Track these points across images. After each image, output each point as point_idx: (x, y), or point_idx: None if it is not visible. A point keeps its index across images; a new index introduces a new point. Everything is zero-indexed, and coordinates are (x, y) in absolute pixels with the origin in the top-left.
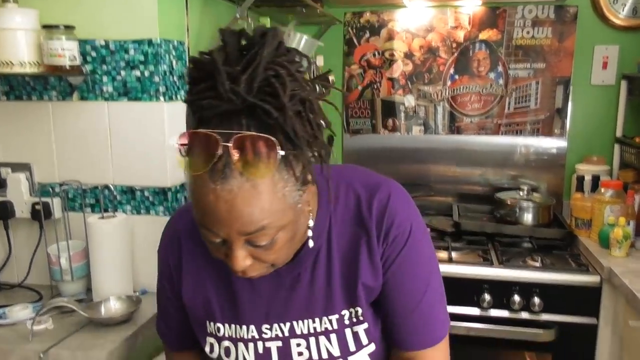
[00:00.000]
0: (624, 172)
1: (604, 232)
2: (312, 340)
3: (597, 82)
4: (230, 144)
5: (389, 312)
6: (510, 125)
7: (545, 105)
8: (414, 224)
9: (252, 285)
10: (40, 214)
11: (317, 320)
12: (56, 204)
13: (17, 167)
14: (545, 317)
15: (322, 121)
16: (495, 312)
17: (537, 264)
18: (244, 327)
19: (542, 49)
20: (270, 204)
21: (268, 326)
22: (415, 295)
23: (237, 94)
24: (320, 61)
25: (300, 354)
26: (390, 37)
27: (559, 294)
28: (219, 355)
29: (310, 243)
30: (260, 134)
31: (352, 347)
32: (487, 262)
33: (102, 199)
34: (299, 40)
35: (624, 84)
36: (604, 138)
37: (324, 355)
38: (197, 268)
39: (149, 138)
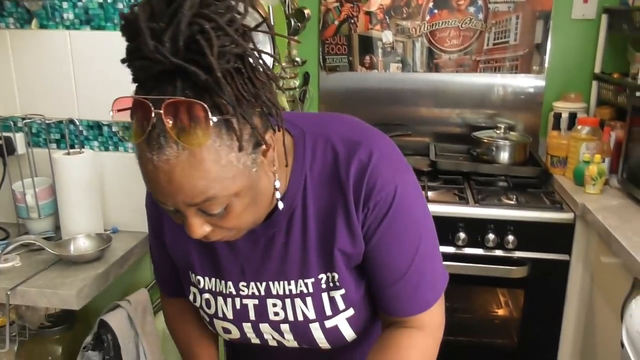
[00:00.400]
0: (601, 109)
1: (579, 170)
2: (287, 301)
3: (578, 16)
4: (161, 111)
5: (374, 280)
6: (489, 62)
7: (524, 40)
8: (399, 187)
9: (229, 243)
10: (2, 149)
11: (292, 282)
12: (19, 138)
13: None
14: (519, 254)
15: (268, 75)
16: (469, 250)
17: (512, 202)
18: (223, 282)
19: None
20: (214, 173)
21: (245, 284)
22: (402, 263)
23: (163, 54)
24: None
25: (276, 313)
26: None
27: (533, 231)
28: (201, 305)
29: (280, 205)
30: (191, 100)
31: (328, 312)
32: (463, 200)
33: (67, 134)
34: None
35: (604, 18)
36: (582, 74)
37: (300, 317)
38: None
39: (115, 70)
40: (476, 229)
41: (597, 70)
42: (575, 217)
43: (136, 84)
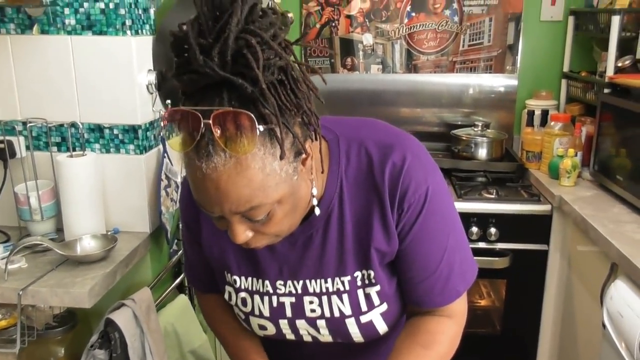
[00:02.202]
0: (570, 106)
1: (553, 164)
2: (324, 298)
3: (546, 18)
4: (210, 121)
5: (406, 275)
6: (465, 62)
7: (497, 41)
8: (430, 188)
9: None
10: (4, 153)
11: (329, 280)
12: (20, 142)
13: None
14: (501, 245)
15: (308, 86)
16: None
17: (493, 196)
18: (260, 280)
19: None
20: (259, 180)
21: (282, 282)
22: (434, 259)
23: (211, 68)
24: None
25: (312, 310)
26: None
27: (513, 223)
28: (236, 303)
29: (317, 211)
30: (239, 110)
31: (364, 308)
32: None
33: (69, 137)
34: None
35: (571, 20)
36: (552, 73)
37: (336, 313)
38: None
39: (117, 74)
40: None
41: (565, 69)
42: (553, 209)
43: (183, 97)
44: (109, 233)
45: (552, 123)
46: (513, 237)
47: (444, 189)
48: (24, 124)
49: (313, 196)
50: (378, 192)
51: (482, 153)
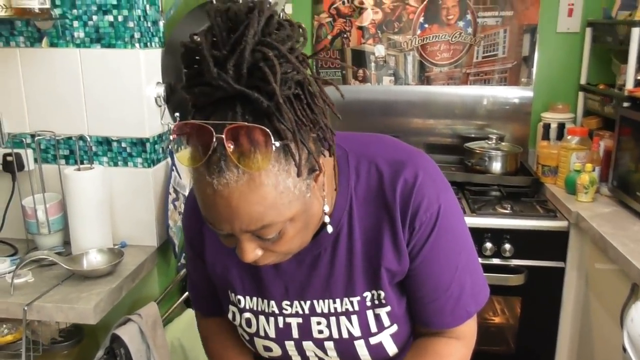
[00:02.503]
0: (588, 119)
1: (570, 179)
2: (332, 319)
3: (563, 30)
4: (223, 136)
5: (416, 295)
6: (479, 74)
7: (512, 53)
8: (442, 206)
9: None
10: (12, 165)
11: (337, 300)
12: (29, 155)
13: None
14: (516, 262)
15: (324, 101)
16: None
17: (507, 211)
18: (265, 301)
19: None
20: (272, 198)
21: (288, 302)
22: (444, 279)
23: (226, 81)
24: (289, 9)
25: (320, 331)
26: None
27: (528, 239)
28: (240, 324)
29: (329, 229)
30: (253, 124)
31: (373, 329)
32: None
33: (77, 150)
34: None
35: (588, 31)
36: (569, 86)
37: (345, 334)
38: (219, 242)
39: (125, 87)
40: (473, 238)
41: (582, 81)
42: (570, 225)
43: (193, 110)
44: (116, 247)
45: (569, 137)
46: (528, 253)
47: (456, 207)
48: (33, 136)
49: (325, 213)
50: (389, 210)
51: (497, 167)
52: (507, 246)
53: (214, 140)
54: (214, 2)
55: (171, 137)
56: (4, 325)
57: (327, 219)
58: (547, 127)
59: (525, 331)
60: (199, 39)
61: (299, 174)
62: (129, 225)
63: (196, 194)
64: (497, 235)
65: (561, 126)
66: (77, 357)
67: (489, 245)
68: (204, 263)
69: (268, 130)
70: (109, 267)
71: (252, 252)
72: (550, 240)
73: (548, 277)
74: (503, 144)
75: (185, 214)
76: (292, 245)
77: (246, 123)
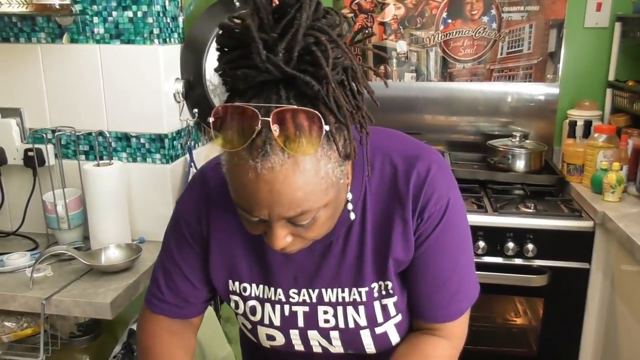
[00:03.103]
0: (616, 117)
1: (596, 178)
2: (339, 309)
3: (591, 25)
4: (269, 118)
5: (415, 287)
6: (503, 70)
7: (538, 49)
8: (450, 200)
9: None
10: (33, 161)
11: (346, 290)
12: (49, 150)
13: (7, 112)
14: (539, 262)
15: (365, 89)
16: (489, 259)
17: (531, 210)
18: (272, 289)
19: None
20: (313, 184)
21: (296, 291)
22: (443, 273)
23: (275, 64)
24: None
25: (326, 321)
26: None
27: (552, 239)
28: (244, 312)
29: (352, 216)
30: (303, 108)
31: (379, 319)
32: (482, 209)
33: (96, 146)
34: None
35: (617, 26)
36: (596, 82)
37: (351, 324)
38: (227, 228)
39: (144, 83)
40: (495, 238)
41: (611, 78)
42: (595, 225)
43: (230, 93)
44: (134, 242)
45: (596, 135)
46: (552, 254)
47: (462, 204)
48: (53, 132)
49: (348, 201)
50: (401, 202)
51: (520, 165)
52: (530, 246)
53: (259, 123)
54: None
55: (211, 120)
56: (24, 319)
57: (350, 206)
58: (573, 124)
59: (548, 333)
60: (244, 21)
61: (336, 160)
62: (147, 221)
63: (232, 179)
64: (520, 235)
65: (588, 124)
66: (95, 352)
67: (511, 245)
68: (198, 255)
69: (318, 113)
70: (126, 262)
71: (284, 239)
72: (575, 241)
73: (572, 278)
74: (527, 141)
75: (186, 204)
76: (321, 232)
77: (296, 106)
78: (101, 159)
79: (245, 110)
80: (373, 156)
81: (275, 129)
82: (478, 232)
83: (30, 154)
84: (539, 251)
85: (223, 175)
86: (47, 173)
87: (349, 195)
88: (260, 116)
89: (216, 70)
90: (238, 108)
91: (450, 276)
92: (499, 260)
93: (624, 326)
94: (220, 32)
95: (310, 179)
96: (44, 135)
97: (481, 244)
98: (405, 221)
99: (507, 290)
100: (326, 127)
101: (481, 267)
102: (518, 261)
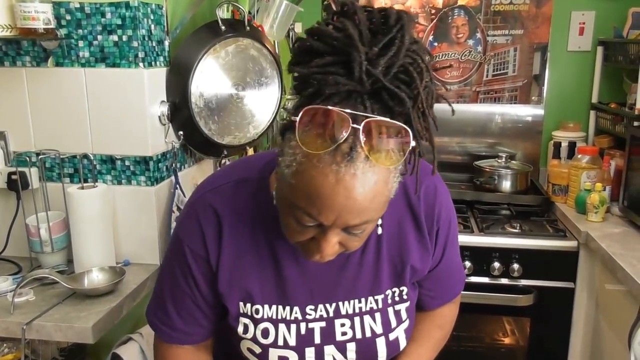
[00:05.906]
0: (599, 138)
1: (580, 198)
2: (356, 319)
3: (574, 48)
4: (360, 126)
5: (424, 287)
6: (489, 92)
7: (522, 72)
8: (452, 216)
9: (299, 267)
10: (17, 184)
11: (362, 300)
12: (33, 173)
13: None
14: (524, 282)
15: (432, 113)
16: (475, 279)
17: (517, 231)
18: (287, 308)
19: (520, 14)
20: (381, 195)
21: (313, 307)
22: (444, 274)
23: (373, 76)
24: (298, 28)
25: (344, 333)
26: (369, 3)
27: (537, 259)
28: (254, 336)
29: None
30: (395, 122)
31: (393, 324)
32: (468, 229)
33: (81, 169)
34: (278, 5)
35: (599, 50)
36: (580, 104)
37: (367, 333)
38: (237, 251)
39: (129, 106)
40: (481, 258)
41: (594, 100)
42: (579, 245)
43: (308, 96)
44: (118, 265)
45: (580, 156)
46: (537, 273)
47: (456, 218)
48: (38, 155)
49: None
50: (413, 212)
51: (506, 185)
52: (516, 266)
53: (349, 129)
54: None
55: (297, 119)
56: (5, 345)
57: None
58: (557, 145)
59: (535, 352)
60: (347, 31)
61: (401, 175)
62: (132, 243)
63: (304, 180)
64: (506, 255)
65: (572, 145)
66: None
67: (497, 265)
68: (206, 280)
69: (408, 129)
70: (109, 285)
71: (333, 247)
72: (560, 261)
73: (558, 297)
74: (513, 162)
75: (189, 230)
76: (362, 241)
77: (388, 119)
78: (86, 181)
79: (336, 115)
80: None
81: (363, 137)
82: (464, 252)
83: (14, 177)
84: (524, 271)
85: (229, 197)
86: (31, 196)
87: None
88: (351, 123)
89: (297, 71)
90: (328, 111)
91: (449, 278)
92: (485, 280)
93: (608, 345)
94: (316, 36)
95: (380, 190)
96: (28, 158)
97: (467, 263)
98: (419, 231)
99: (495, 310)
100: (413, 143)
101: (468, 287)
102: (504, 281)
